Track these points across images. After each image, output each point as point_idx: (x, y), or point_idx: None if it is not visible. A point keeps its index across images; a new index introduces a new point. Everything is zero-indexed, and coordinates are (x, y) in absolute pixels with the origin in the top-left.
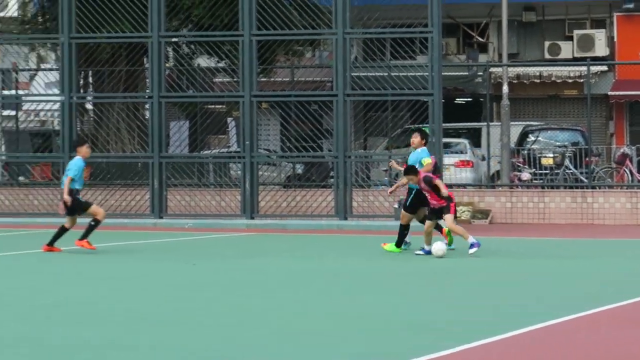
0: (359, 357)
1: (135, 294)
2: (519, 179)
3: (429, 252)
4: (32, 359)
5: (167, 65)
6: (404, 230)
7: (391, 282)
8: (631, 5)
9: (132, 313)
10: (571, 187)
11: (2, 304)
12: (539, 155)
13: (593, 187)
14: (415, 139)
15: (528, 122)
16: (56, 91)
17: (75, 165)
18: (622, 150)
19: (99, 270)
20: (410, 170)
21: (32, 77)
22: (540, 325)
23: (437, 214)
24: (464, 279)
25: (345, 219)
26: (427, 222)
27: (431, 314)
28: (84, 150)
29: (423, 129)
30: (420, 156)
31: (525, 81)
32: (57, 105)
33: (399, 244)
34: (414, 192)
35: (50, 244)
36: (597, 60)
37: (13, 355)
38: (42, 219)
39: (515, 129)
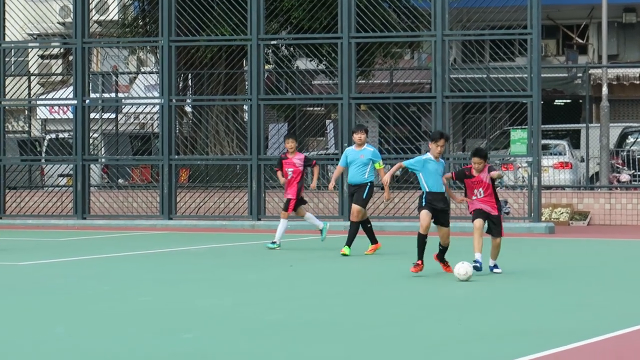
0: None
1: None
2: (618, 181)
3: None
4: None
5: (266, 67)
6: (367, 225)
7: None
8: None
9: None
10: None
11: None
12: (638, 156)
13: None
14: (363, 135)
15: (627, 124)
16: (156, 94)
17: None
18: None
19: (212, 275)
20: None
21: (132, 80)
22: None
23: (487, 218)
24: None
25: None
26: (479, 222)
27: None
28: (433, 147)
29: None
30: (374, 157)
31: (625, 82)
32: (156, 108)
33: (374, 240)
34: (369, 185)
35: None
36: None
37: None
38: (141, 221)
39: (615, 131)
